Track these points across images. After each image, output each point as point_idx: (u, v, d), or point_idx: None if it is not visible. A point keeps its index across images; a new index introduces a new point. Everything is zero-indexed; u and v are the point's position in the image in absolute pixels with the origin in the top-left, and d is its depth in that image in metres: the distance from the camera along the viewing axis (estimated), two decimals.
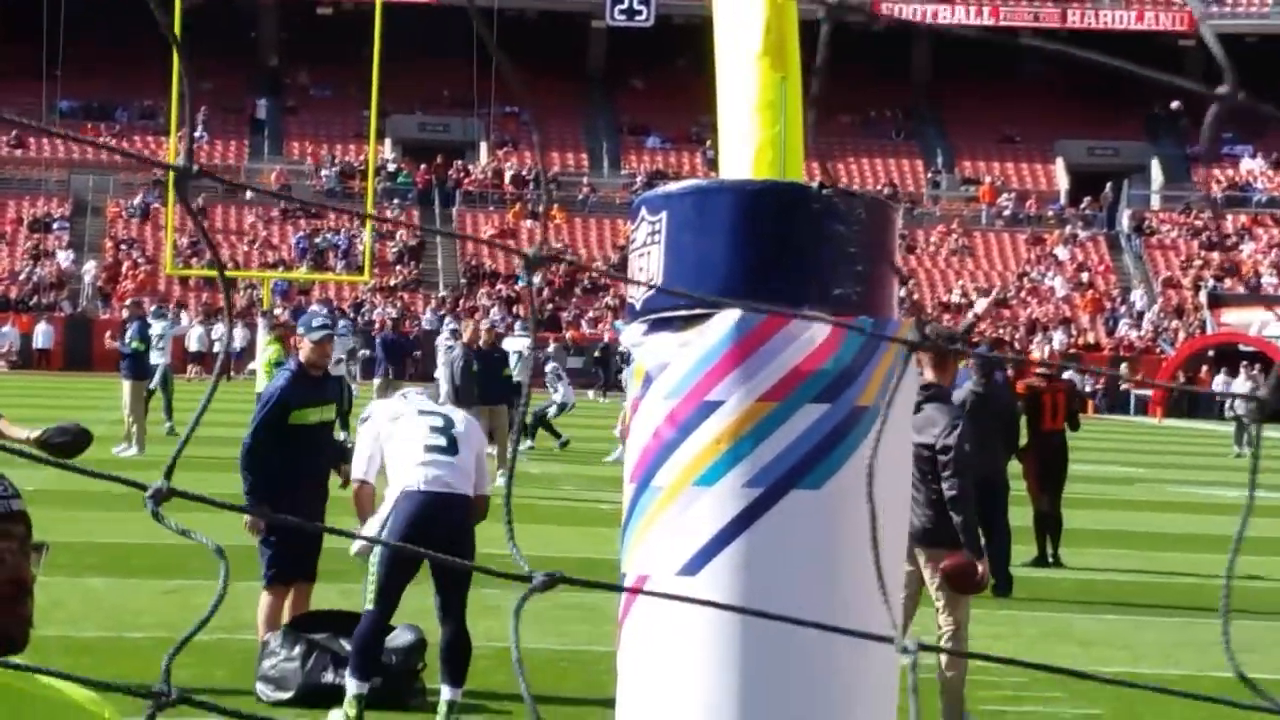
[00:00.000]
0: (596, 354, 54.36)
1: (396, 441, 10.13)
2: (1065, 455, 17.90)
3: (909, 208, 67.21)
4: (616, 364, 46.28)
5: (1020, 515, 17.05)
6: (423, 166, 69.44)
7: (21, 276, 62.27)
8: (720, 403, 4.20)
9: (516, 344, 28.57)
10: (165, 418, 29.16)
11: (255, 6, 73.83)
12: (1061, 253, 68.74)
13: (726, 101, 4.96)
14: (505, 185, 69.35)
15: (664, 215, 4.33)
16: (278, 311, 47.97)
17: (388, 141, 69.27)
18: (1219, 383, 57.37)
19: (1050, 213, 71.27)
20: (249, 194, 67.57)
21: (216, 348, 54.86)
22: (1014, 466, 16.65)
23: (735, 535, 4.16)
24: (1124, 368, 61.29)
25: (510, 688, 10.66)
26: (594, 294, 64.02)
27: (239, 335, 52.00)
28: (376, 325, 49.58)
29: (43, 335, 58.07)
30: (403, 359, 33.23)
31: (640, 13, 70.84)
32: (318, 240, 64.89)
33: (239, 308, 55.80)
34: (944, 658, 9.91)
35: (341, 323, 37.19)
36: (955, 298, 64.46)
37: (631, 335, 4.42)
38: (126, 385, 27.56)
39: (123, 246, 64.27)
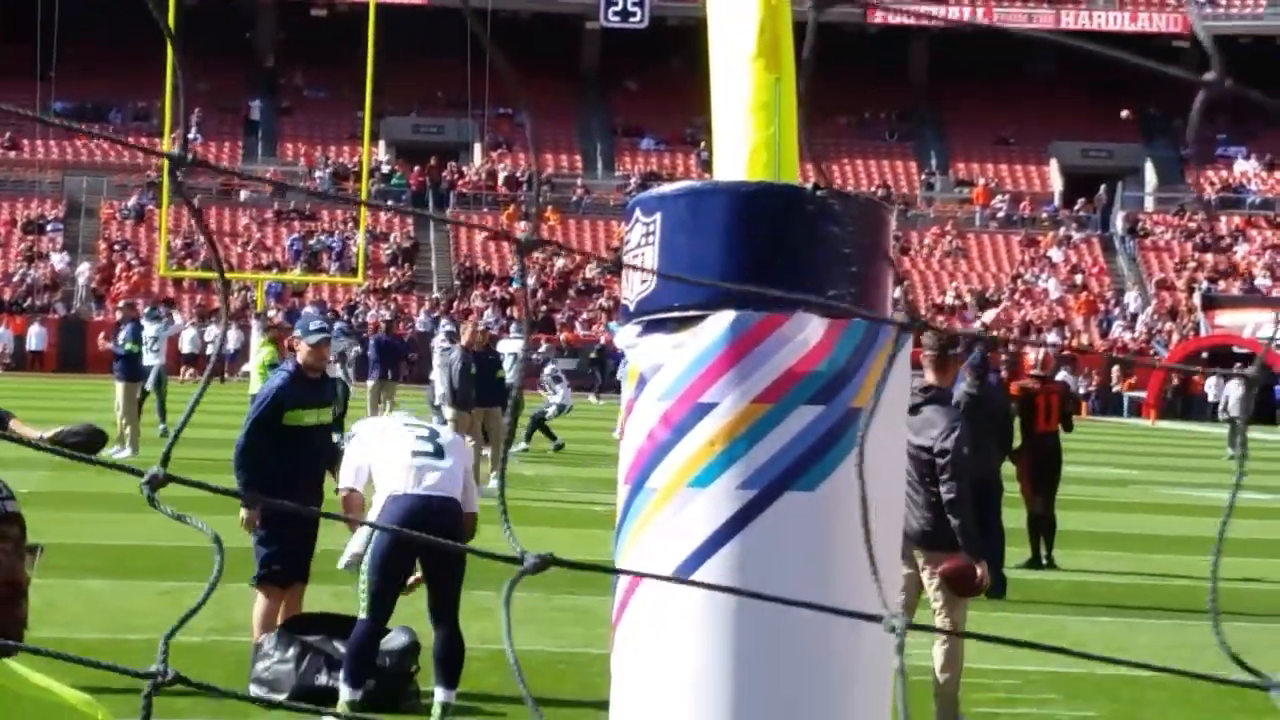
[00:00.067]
0: (593, 355, 54.40)
1: (383, 452, 10.12)
2: (1059, 457, 17.91)
3: (903, 209, 67.23)
4: (611, 366, 46.33)
5: (1014, 517, 17.07)
6: (417, 168, 69.42)
7: (15, 278, 62.24)
8: (714, 404, 4.19)
9: (512, 346, 28.59)
10: (159, 419, 29.14)
11: (251, 7, 73.81)
12: (1055, 255, 68.78)
13: (721, 103, 4.96)
14: (499, 187, 69.33)
15: (658, 217, 4.33)
16: (271, 313, 47.97)
17: (382, 143, 69.26)
18: (1211, 384, 57.44)
19: (1044, 215, 71.32)
20: (243, 196, 67.54)
21: (210, 350, 54.82)
22: (1007, 468, 16.66)
23: (729, 537, 4.16)
24: (1115, 370, 61.34)
25: (504, 689, 10.66)
26: (588, 295, 64.02)
27: (233, 337, 51.99)
28: (370, 327, 49.54)
29: (36, 337, 58.04)
30: (397, 361, 33.21)
31: (634, 14, 70.83)
32: (311, 242, 64.86)
33: (233, 310, 55.83)
34: (938, 663, 9.91)
35: (336, 325, 37.19)
36: (949, 299, 64.50)
37: (625, 337, 4.42)
38: (120, 387, 27.54)
39: (117, 248, 64.25)
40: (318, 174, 68.30)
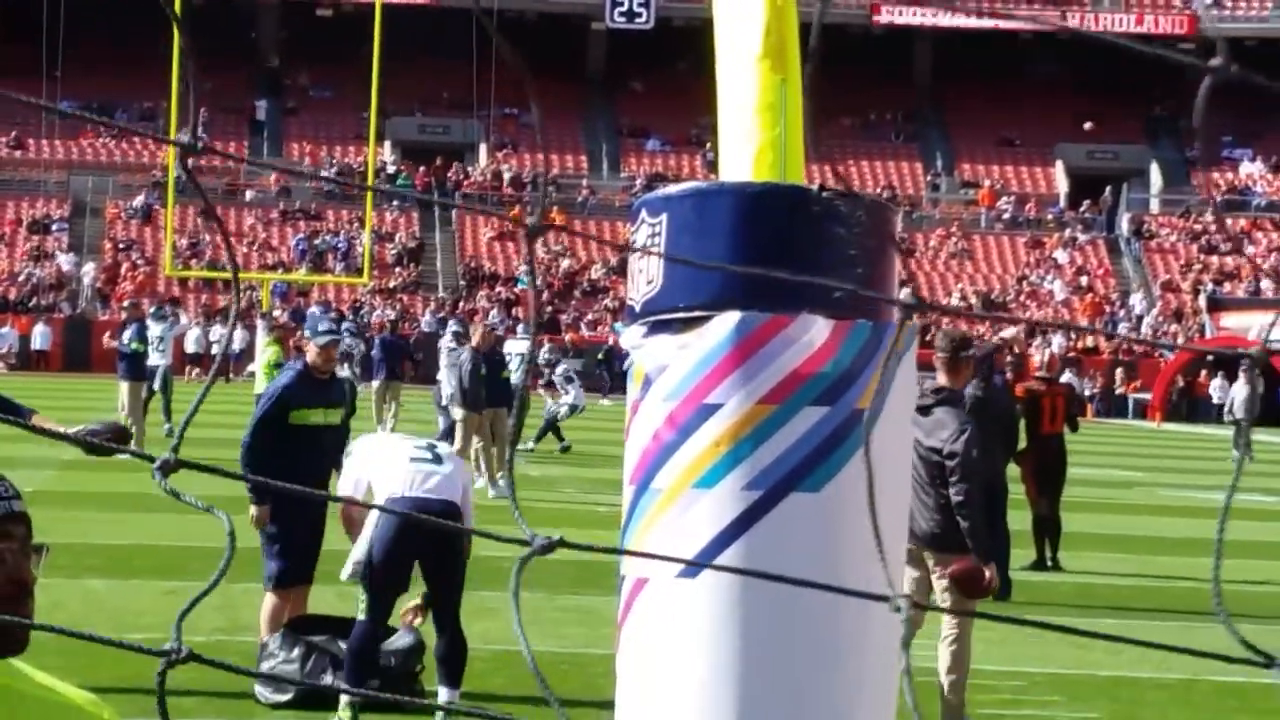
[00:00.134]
0: (600, 356, 54.40)
1: (381, 462, 10.12)
2: (1064, 459, 17.90)
3: (908, 211, 67.20)
4: (619, 367, 46.32)
5: (1019, 519, 17.06)
6: (422, 168, 69.42)
7: (21, 278, 62.27)
8: (720, 405, 4.20)
9: (519, 347, 28.66)
10: (164, 419, 29.17)
11: (255, 7, 73.84)
12: (1061, 256, 68.74)
13: (726, 104, 4.97)
14: (504, 187, 69.33)
15: (664, 217, 4.34)
16: (277, 313, 48.00)
17: (387, 143, 69.26)
18: (1216, 386, 57.41)
19: (1049, 216, 71.28)
20: (248, 196, 67.56)
21: (215, 349, 54.84)
22: (1012, 470, 16.65)
23: (735, 538, 4.16)
24: (1119, 372, 61.32)
25: (509, 689, 10.66)
26: (593, 296, 64.00)
27: (238, 337, 51.98)
28: (375, 327, 49.55)
29: (41, 336, 58.05)
30: (401, 361, 33.21)
31: (640, 15, 70.84)
32: (317, 242, 64.87)
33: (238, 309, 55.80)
34: (944, 664, 9.91)
35: (345, 325, 37.20)
36: (954, 301, 64.47)
37: (631, 337, 4.43)
38: (124, 386, 27.58)
39: (122, 248, 64.28)
40: (323, 174, 68.32)
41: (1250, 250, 69.12)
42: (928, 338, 13.20)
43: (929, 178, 73.49)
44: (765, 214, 4.25)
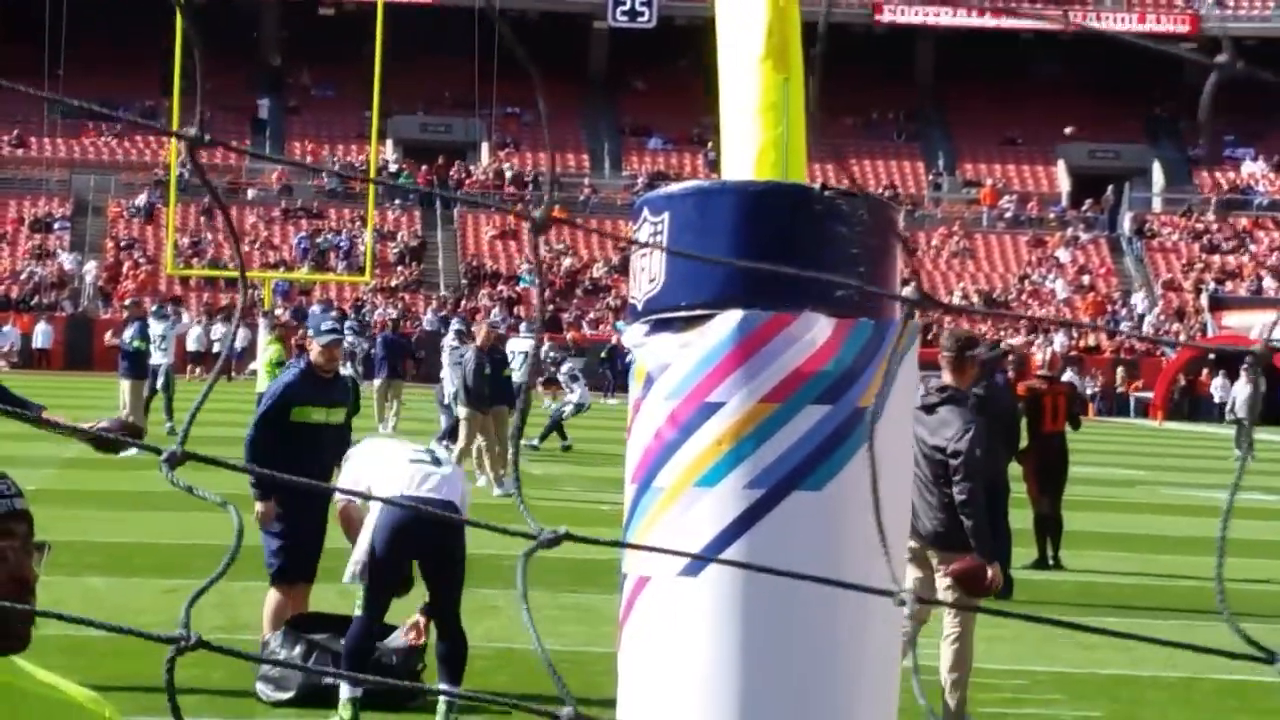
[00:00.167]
0: (603, 355, 54.42)
1: (379, 463, 10.11)
2: (1065, 457, 17.90)
3: (910, 210, 67.19)
4: (622, 366, 46.36)
5: (1020, 517, 17.06)
6: (424, 167, 69.43)
7: (23, 276, 62.28)
8: (721, 404, 4.19)
9: (523, 345, 28.67)
10: (165, 418, 29.19)
11: (257, 6, 73.83)
12: (1063, 255, 68.73)
13: (728, 103, 4.96)
14: (506, 186, 69.33)
15: (666, 216, 4.33)
16: (279, 312, 48.04)
17: (389, 142, 69.28)
18: (1218, 385, 57.37)
19: (1051, 215, 71.28)
20: (250, 194, 67.56)
21: (216, 348, 54.85)
22: (1014, 468, 16.65)
23: (736, 536, 4.16)
24: (1120, 371, 61.30)
25: (510, 688, 10.66)
26: (595, 295, 64.01)
27: (240, 335, 52.00)
28: (376, 325, 49.57)
29: (43, 335, 58.05)
30: (403, 359, 33.20)
31: (642, 14, 70.84)
32: (319, 241, 64.89)
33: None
34: (946, 662, 9.91)
35: (348, 324, 37.18)
36: (956, 300, 64.44)
37: (633, 336, 4.42)
38: (125, 385, 27.60)
39: (124, 246, 64.28)
40: (334, 168, 68.16)
41: (1253, 248, 69.09)
42: (929, 336, 13.20)
43: (931, 177, 73.48)
44: (767, 213, 4.25)
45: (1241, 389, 41.03)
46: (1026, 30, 71.32)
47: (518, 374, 25.02)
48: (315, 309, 53.52)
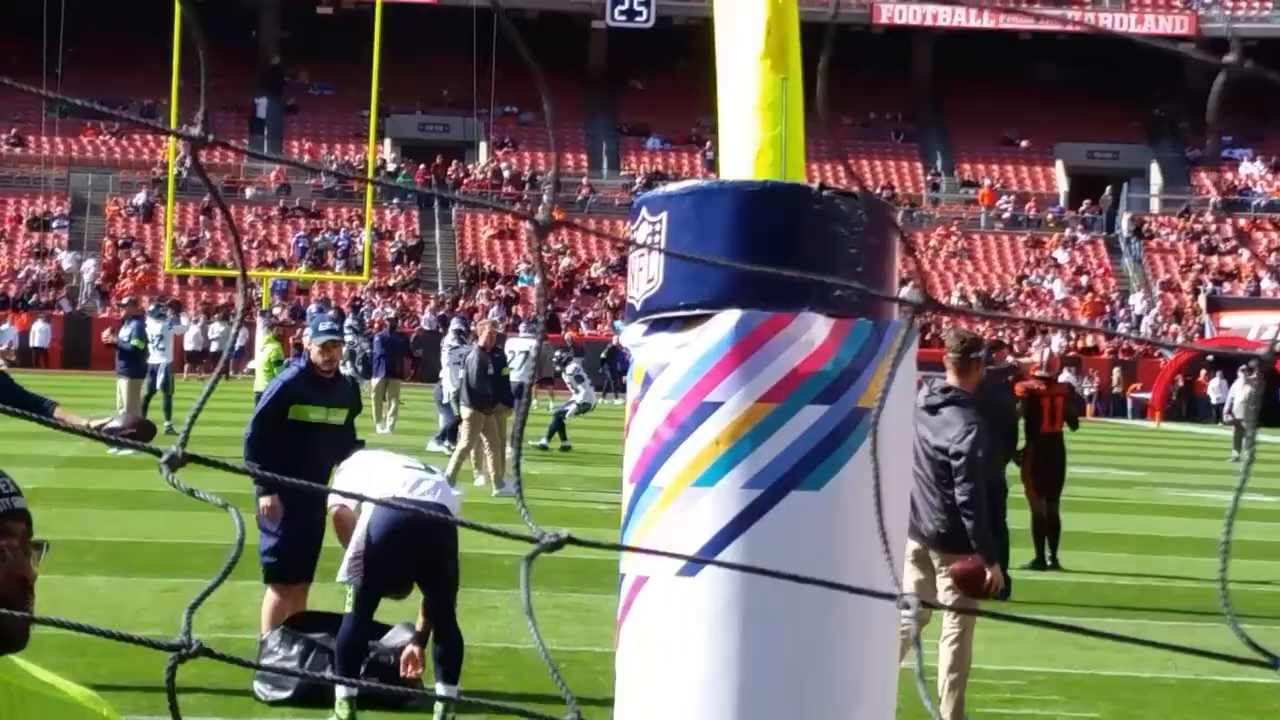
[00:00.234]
0: (603, 355, 54.38)
1: (372, 470, 10.10)
2: (1063, 458, 17.90)
3: (908, 210, 67.21)
4: (621, 366, 46.29)
5: (1018, 518, 17.06)
6: (422, 166, 69.42)
7: (21, 275, 62.26)
8: (720, 404, 4.19)
9: (522, 345, 28.66)
10: (164, 417, 29.18)
11: (255, 5, 73.81)
12: (1060, 256, 68.74)
13: (727, 102, 4.96)
14: (504, 186, 69.33)
15: (664, 216, 4.33)
16: (276, 311, 48.02)
17: (387, 141, 69.29)
18: (1215, 386, 57.37)
19: (1049, 216, 71.28)
20: (249, 193, 67.55)
21: (214, 346, 54.84)
22: (1012, 469, 16.65)
23: (734, 536, 4.16)
24: (1117, 372, 61.30)
25: (508, 687, 10.67)
26: (593, 294, 64.00)
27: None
28: (374, 325, 49.57)
29: (40, 333, 58.04)
30: (401, 359, 33.21)
31: (640, 13, 70.82)
32: (317, 240, 64.87)
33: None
34: (945, 663, 9.91)
35: (347, 323, 37.21)
36: (954, 300, 64.44)
37: (631, 335, 4.42)
38: (123, 383, 27.59)
39: (122, 245, 64.27)
40: (332, 167, 68.24)
41: (1245, 253, 69.13)
42: (927, 337, 13.20)
43: (929, 177, 73.49)
44: (766, 212, 4.24)
45: (1239, 390, 41.03)
46: (1025, 30, 71.33)
47: (516, 374, 25.01)
48: (313, 308, 53.56)
